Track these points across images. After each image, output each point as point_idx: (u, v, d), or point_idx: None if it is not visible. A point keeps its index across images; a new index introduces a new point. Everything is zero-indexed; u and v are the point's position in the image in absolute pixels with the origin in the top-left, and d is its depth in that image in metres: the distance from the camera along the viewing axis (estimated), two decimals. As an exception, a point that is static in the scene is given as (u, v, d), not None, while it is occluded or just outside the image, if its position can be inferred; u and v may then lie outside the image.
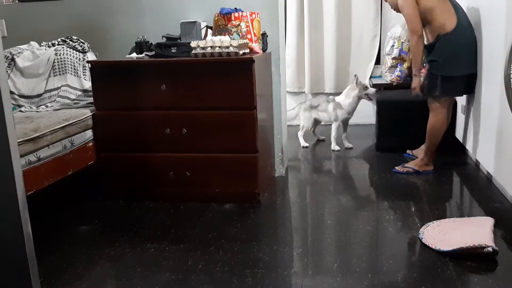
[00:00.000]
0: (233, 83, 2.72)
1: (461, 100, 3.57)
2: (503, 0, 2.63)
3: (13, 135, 1.33)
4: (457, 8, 3.06)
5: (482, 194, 2.93)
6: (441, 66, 3.07)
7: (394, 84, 4.30)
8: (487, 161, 3.02)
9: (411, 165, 3.31)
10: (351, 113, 4.07)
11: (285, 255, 2.27)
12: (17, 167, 1.34)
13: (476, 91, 3.21)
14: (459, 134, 3.65)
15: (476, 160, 3.32)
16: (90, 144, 2.89)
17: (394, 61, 4.32)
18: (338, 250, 2.30)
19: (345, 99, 4.04)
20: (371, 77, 4.86)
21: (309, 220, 2.72)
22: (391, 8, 3.31)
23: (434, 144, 3.24)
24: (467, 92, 3.26)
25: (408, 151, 3.72)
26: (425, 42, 3.18)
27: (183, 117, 2.82)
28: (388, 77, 4.44)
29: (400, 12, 3.18)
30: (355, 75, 4.07)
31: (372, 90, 4.01)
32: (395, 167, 3.34)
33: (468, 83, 3.15)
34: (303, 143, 4.17)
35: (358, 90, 3.98)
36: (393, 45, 4.33)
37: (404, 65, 4.20)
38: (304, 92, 5.05)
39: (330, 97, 4.20)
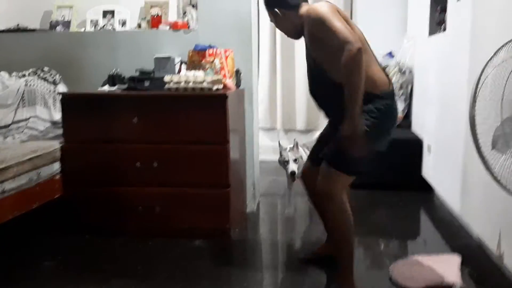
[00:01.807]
0: (206, 117, 2.73)
1: (427, 140, 3.67)
2: (467, 47, 2.76)
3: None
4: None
5: (449, 232, 2.98)
6: (373, 134, 1.95)
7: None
8: (453, 199, 3.08)
9: None
10: None
11: (255, 293, 2.24)
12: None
13: (442, 131, 3.31)
14: (425, 173, 3.73)
15: (443, 198, 3.39)
16: (58, 176, 2.82)
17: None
18: (309, 288, 2.28)
19: None
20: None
21: (280, 257, 2.70)
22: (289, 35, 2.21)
23: (348, 252, 2.08)
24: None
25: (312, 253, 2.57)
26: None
27: (154, 151, 2.80)
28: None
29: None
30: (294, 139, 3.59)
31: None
32: None
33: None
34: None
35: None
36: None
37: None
38: (276, 128, 5.10)
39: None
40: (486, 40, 2.46)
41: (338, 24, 1.84)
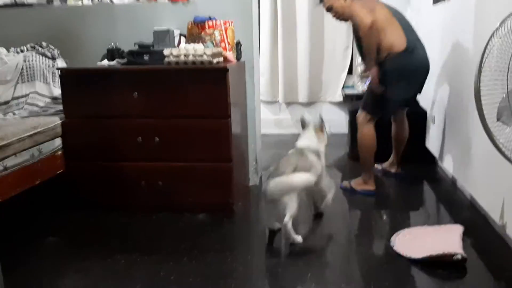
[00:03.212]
0: (206, 91, 2.71)
1: (431, 110, 3.64)
2: (471, 17, 2.70)
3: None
4: (408, 30, 2.96)
5: (452, 202, 2.98)
6: (383, 86, 2.97)
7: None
8: (456, 170, 3.08)
9: (352, 183, 3.16)
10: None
11: (259, 266, 2.26)
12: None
13: (446, 101, 3.28)
14: (429, 144, 3.71)
15: (446, 169, 3.39)
16: (59, 152, 2.82)
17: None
18: (312, 260, 2.29)
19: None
20: (343, 87, 4.92)
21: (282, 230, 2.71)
22: (334, 15, 3.06)
23: (366, 160, 3.10)
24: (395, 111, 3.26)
25: (376, 165, 3.41)
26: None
27: (155, 126, 2.79)
28: (360, 87, 4.51)
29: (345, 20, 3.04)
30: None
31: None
32: (342, 183, 3.23)
33: (401, 104, 3.19)
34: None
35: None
36: (365, 56, 4.41)
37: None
38: (278, 101, 5.07)
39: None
40: (491, 9, 2.41)
41: (360, 13, 2.85)
